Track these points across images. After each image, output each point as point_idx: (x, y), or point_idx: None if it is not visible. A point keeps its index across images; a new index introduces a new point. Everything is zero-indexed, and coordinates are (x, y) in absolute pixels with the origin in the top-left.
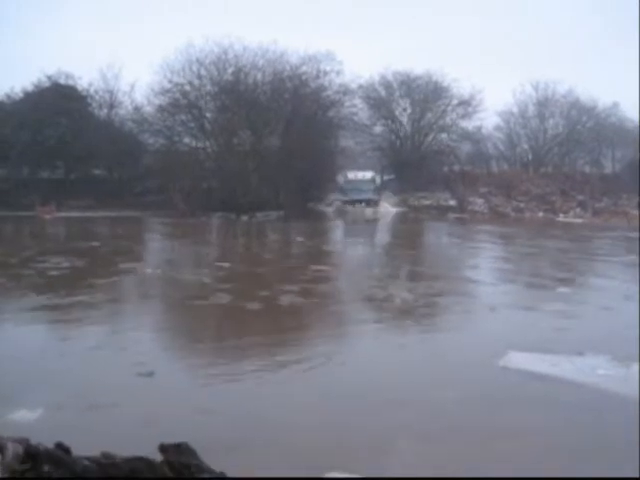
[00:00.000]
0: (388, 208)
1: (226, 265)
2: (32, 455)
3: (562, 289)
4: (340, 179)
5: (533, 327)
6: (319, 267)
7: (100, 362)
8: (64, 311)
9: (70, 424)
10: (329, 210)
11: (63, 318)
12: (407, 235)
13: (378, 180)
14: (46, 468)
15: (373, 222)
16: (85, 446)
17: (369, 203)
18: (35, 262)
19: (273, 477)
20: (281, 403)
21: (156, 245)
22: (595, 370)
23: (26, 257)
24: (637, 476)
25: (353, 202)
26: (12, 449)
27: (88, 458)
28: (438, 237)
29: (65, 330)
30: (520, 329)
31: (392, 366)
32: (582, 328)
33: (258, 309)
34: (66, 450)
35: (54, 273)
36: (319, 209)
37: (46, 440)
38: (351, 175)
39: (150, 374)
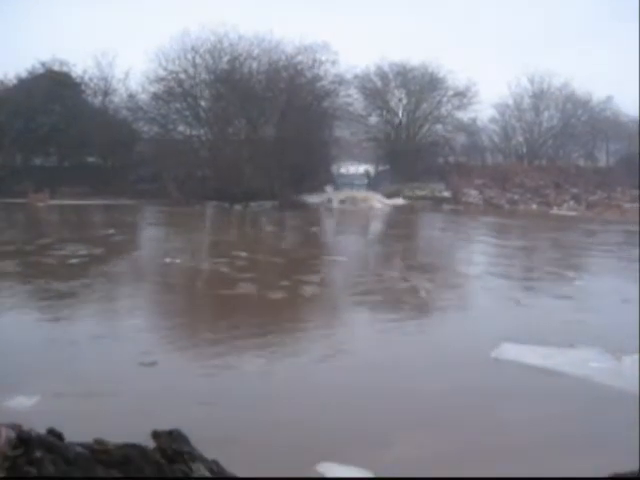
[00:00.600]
0: (382, 201)
1: (242, 254)
2: (24, 440)
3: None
4: (334, 169)
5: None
6: (334, 257)
7: (106, 351)
8: (80, 299)
9: (65, 411)
10: (322, 202)
11: (79, 306)
12: (406, 227)
13: (372, 171)
14: (38, 454)
15: (368, 215)
16: (79, 433)
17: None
18: (52, 249)
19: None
20: (288, 397)
21: (162, 234)
22: (587, 362)
23: (42, 245)
24: (636, 471)
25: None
26: (4, 434)
27: (81, 444)
28: (439, 230)
29: (79, 318)
30: (525, 322)
31: (396, 357)
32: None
33: (281, 300)
34: (58, 436)
35: (74, 261)
36: (310, 201)
37: (40, 427)
38: (343, 170)
39: (152, 364)
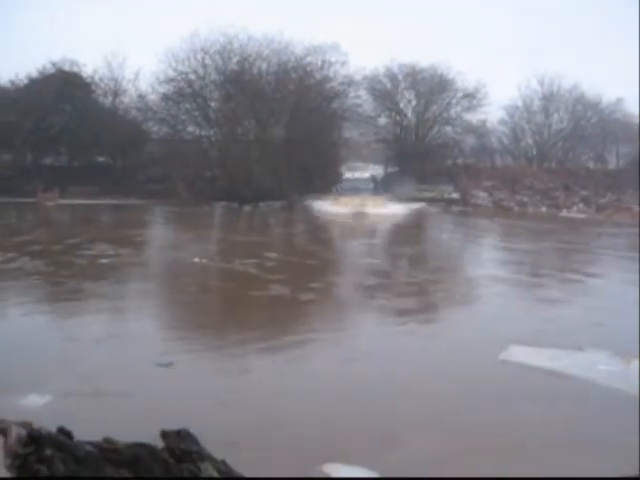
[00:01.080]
0: (391, 205)
1: (270, 255)
2: (35, 439)
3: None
4: (343, 169)
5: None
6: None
7: (127, 351)
8: (111, 299)
9: (76, 410)
10: (329, 205)
11: (108, 307)
12: (422, 231)
13: (380, 174)
14: (48, 452)
15: (378, 220)
16: (88, 432)
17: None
18: (81, 249)
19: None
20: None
21: (181, 234)
22: (595, 365)
23: (70, 245)
24: (637, 474)
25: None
26: (15, 432)
27: (90, 443)
28: (455, 233)
29: (108, 319)
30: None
31: (412, 358)
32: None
33: (315, 301)
34: (68, 435)
35: (104, 261)
36: (317, 204)
37: (51, 425)
38: (349, 174)
39: (169, 364)
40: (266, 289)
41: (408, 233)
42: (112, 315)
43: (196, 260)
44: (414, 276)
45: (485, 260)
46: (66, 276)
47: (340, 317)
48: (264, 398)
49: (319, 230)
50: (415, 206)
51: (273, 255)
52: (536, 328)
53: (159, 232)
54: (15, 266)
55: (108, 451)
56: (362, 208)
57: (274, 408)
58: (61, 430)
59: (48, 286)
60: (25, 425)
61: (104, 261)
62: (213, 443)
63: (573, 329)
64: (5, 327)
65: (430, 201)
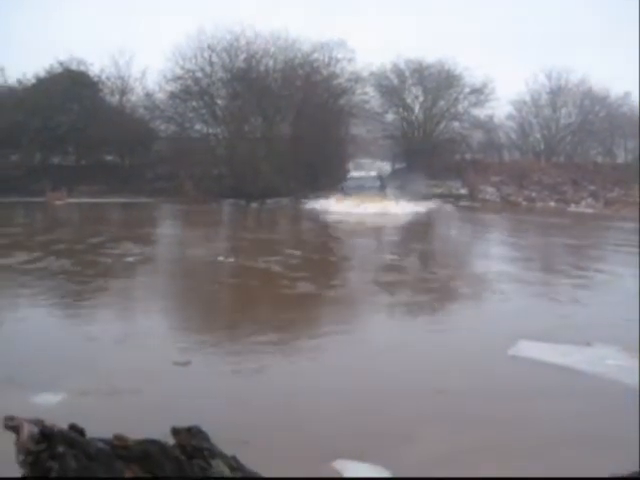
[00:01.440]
0: (399, 204)
1: (292, 252)
2: (47, 436)
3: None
4: (350, 166)
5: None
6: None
7: (146, 350)
8: (140, 299)
9: (89, 409)
10: (332, 203)
11: (132, 305)
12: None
13: (387, 170)
14: (60, 449)
15: (386, 219)
16: (100, 430)
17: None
18: (105, 248)
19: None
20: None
21: (198, 232)
22: (604, 360)
23: (93, 244)
24: (637, 472)
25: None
26: (28, 429)
27: (102, 440)
28: (466, 230)
29: (129, 317)
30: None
31: (427, 353)
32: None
33: (341, 297)
34: (80, 432)
35: (129, 259)
36: (321, 201)
37: (63, 423)
38: (355, 173)
39: (186, 363)
40: (293, 287)
41: (422, 230)
42: (144, 315)
43: (220, 258)
44: (433, 272)
45: (499, 257)
46: (91, 275)
47: (361, 313)
48: (278, 396)
49: (330, 228)
50: (427, 204)
51: (293, 252)
52: (551, 324)
53: (173, 230)
54: (42, 266)
55: (119, 448)
56: (369, 206)
57: (290, 406)
58: (73, 427)
59: (73, 285)
60: (37, 422)
61: (130, 259)
62: (225, 441)
63: (587, 325)
64: (26, 327)
65: (439, 197)
